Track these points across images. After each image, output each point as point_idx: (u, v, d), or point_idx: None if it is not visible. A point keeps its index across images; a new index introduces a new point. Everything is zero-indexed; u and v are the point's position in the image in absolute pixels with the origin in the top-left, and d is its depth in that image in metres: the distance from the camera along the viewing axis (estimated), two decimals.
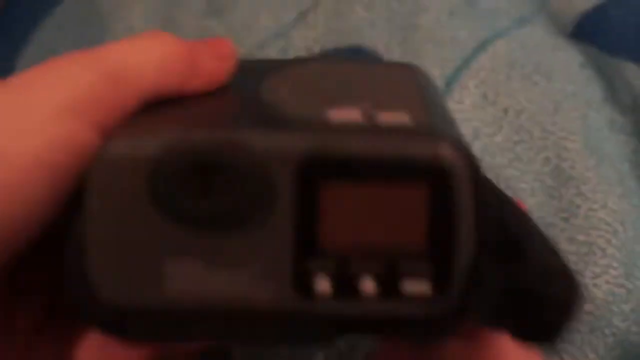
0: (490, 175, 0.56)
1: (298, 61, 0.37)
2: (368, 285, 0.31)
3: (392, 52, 0.63)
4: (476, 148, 0.58)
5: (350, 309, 0.31)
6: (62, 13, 0.68)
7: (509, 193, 0.51)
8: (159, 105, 0.33)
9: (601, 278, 0.52)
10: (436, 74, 0.61)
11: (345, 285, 0.31)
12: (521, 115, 0.60)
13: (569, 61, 0.62)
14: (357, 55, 0.63)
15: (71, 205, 0.31)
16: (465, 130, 0.59)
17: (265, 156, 0.31)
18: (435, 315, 0.31)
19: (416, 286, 0.31)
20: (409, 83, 0.36)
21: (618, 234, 0.54)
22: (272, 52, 0.65)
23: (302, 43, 0.65)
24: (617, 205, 0.55)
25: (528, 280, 0.34)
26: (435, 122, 0.32)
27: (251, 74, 0.35)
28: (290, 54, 0.64)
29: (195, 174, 0.31)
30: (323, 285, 0.31)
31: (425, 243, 0.31)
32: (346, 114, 0.32)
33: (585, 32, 0.63)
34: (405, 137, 0.31)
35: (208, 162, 0.30)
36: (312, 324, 0.32)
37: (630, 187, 0.57)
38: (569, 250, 0.53)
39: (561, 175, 0.57)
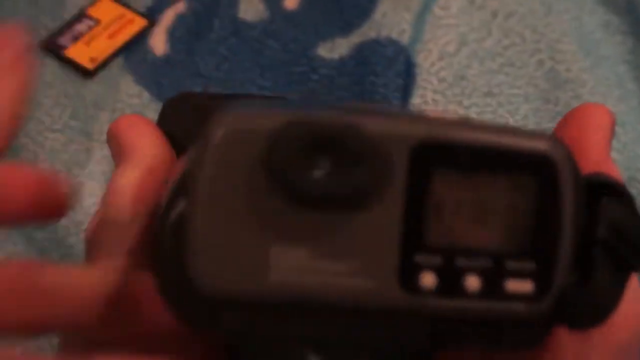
0: (480, 82, 0.55)
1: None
2: (473, 282, 0.31)
3: None
4: (464, 54, 0.57)
5: (455, 305, 0.31)
6: None
7: (501, 99, 0.53)
8: None
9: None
10: None
11: (451, 281, 0.31)
12: (511, 19, 0.59)
13: None
14: None
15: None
16: (453, 36, 0.57)
17: (382, 139, 0.31)
18: (536, 315, 0.31)
19: (519, 285, 0.31)
20: None
21: (618, 137, 0.54)
22: None
23: None
24: (616, 108, 0.55)
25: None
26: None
27: None
28: None
29: (314, 150, 0.30)
30: (429, 280, 0.31)
31: (530, 241, 0.31)
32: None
33: None
34: (515, 132, 0.31)
35: (328, 139, 0.30)
36: (415, 320, 0.32)
37: (628, 89, 0.57)
38: None
39: (556, 78, 0.57)
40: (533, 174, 0.31)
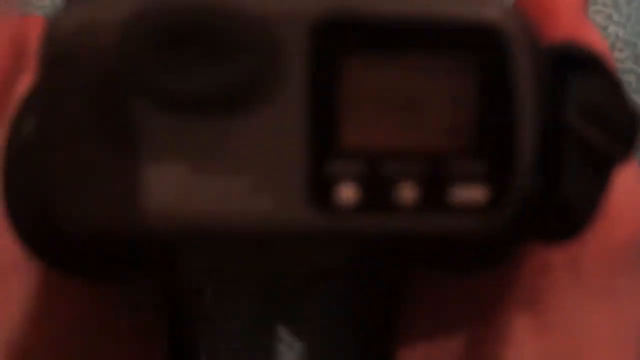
0: None
1: None
2: (406, 192, 0.27)
3: None
4: None
5: (383, 223, 0.27)
6: None
7: None
8: None
9: None
10: None
11: (377, 194, 0.27)
12: None
13: None
14: None
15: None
16: None
17: (269, 19, 0.26)
18: (492, 228, 0.27)
19: (468, 193, 0.27)
20: None
21: (619, 6, 0.49)
22: None
23: None
24: None
25: None
26: None
27: None
28: None
29: (180, 41, 0.26)
30: (347, 193, 0.27)
31: (479, 138, 0.27)
32: None
33: None
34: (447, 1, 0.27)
35: (197, 24, 0.26)
36: (333, 245, 0.29)
37: None
38: None
39: None
40: (478, 52, 0.27)
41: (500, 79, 0.27)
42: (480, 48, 0.27)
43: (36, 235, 0.29)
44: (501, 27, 0.27)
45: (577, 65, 0.29)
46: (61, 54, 0.27)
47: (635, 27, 0.49)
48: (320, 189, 0.27)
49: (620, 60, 0.48)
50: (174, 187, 0.27)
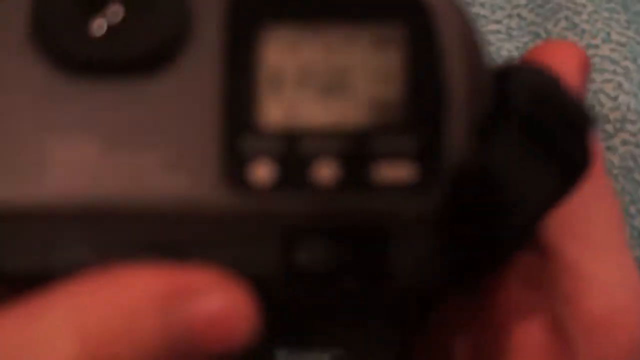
0: None
1: None
2: (325, 170, 0.27)
3: None
4: None
5: (299, 203, 0.27)
6: None
7: None
8: None
9: (616, 138, 0.48)
10: None
11: (294, 172, 0.27)
12: None
13: None
14: None
15: None
16: None
17: None
18: (421, 208, 0.27)
19: (393, 171, 0.27)
20: None
21: (630, 74, 0.49)
22: None
23: None
24: (624, 37, 0.50)
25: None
26: None
27: None
28: None
29: (88, 5, 0.27)
30: (262, 171, 0.27)
31: (406, 113, 0.27)
32: None
33: None
34: None
35: None
36: (247, 227, 0.27)
37: (636, 11, 0.52)
38: None
39: (544, 6, 0.52)
40: (404, 23, 0.28)
41: (428, 51, 0.27)
42: (407, 18, 0.28)
43: None
44: None
45: (526, 67, 0.29)
46: None
47: None
48: (234, 167, 0.27)
49: (632, 133, 0.48)
50: (81, 161, 0.27)
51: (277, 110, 0.27)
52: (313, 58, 0.28)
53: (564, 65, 0.34)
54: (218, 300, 0.26)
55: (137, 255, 0.27)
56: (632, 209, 0.47)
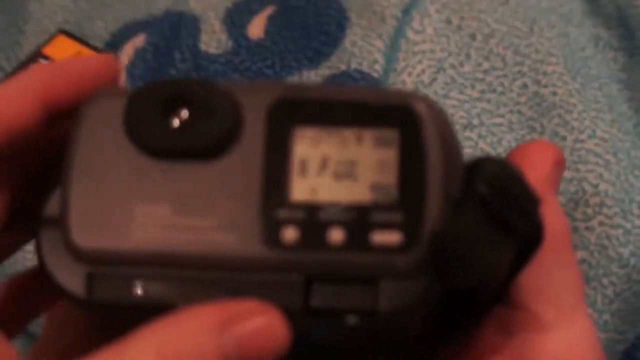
0: (460, 113, 0.55)
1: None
2: (336, 234, 0.32)
3: None
4: (441, 83, 0.56)
5: (318, 258, 0.32)
6: None
7: (482, 130, 0.53)
8: None
9: (594, 220, 0.51)
10: (392, 1, 0.59)
11: (313, 235, 0.33)
12: (490, 40, 0.57)
13: None
14: None
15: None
16: (428, 62, 0.57)
17: (236, 96, 0.33)
18: (406, 265, 0.32)
19: (386, 236, 0.32)
20: None
21: (610, 166, 0.52)
22: None
23: None
24: (607, 134, 0.54)
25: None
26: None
27: None
28: None
29: (168, 106, 0.33)
30: (290, 234, 0.33)
31: (396, 195, 0.33)
32: None
33: None
34: (381, 90, 0.34)
35: (181, 94, 0.33)
36: (279, 273, 0.33)
37: (621, 112, 0.56)
38: None
39: (541, 104, 0.55)
40: (397, 128, 0.33)
41: (415, 149, 0.33)
42: (401, 124, 0.33)
43: (60, 266, 0.34)
44: (416, 108, 0.33)
45: (491, 160, 0.34)
46: (84, 124, 0.34)
47: (624, 185, 0.52)
48: (270, 230, 0.33)
49: (608, 217, 0.50)
50: (158, 222, 0.33)
51: (302, 189, 0.33)
52: (330, 152, 0.33)
53: (543, 161, 0.40)
54: (259, 321, 0.32)
55: (197, 292, 0.34)
56: (605, 281, 0.50)
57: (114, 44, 0.63)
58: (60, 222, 0.34)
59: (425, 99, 0.34)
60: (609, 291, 0.50)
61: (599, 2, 0.59)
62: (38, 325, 0.49)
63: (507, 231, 0.33)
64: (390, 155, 0.33)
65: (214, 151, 0.33)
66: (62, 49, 0.63)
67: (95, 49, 0.63)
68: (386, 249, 0.32)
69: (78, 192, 0.34)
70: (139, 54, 0.61)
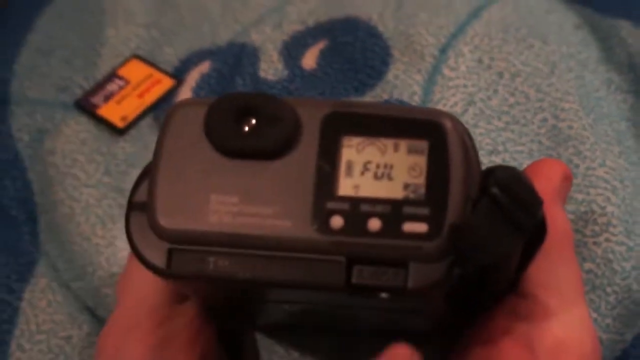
0: (486, 140, 0.57)
1: None
2: (374, 223, 0.36)
3: (385, 22, 0.64)
4: (471, 114, 0.58)
5: (359, 241, 0.36)
6: (63, 0, 0.70)
7: (506, 156, 0.55)
8: None
9: (601, 236, 0.53)
10: (431, 41, 0.62)
11: (355, 223, 0.37)
12: (516, 78, 0.60)
13: (563, 23, 0.63)
14: (352, 26, 0.64)
15: None
16: (461, 96, 0.59)
17: (296, 108, 0.37)
18: (431, 250, 0.36)
19: (415, 226, 0.36)
20: None
21: (617, 192, 0.54)
22: (267, 27, 0.66)
23: (296, 16, 0.66)
24: (615, 163, 0.56)
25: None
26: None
27: None
28: (285, 28, 0.65)
29: (241, 115, 0.37)
30: (337, 222, 0.37)
31: (424, 193, 0.36)
32: None
33: None
34: (416, 108, 0.38)
35: (251, 105, 0.37)
36: (327, 256, 0.37)
37: (628, 145, 0.57)
38: (568, 210, 0.53)
39: (559, 136, 0.57)
40: (427, 139, 0.37)
41: (441, 157, 0.37)
42: (430, 136, 0.37)
43: (146, 245, 0.39)
44: (443, 123, 0.37)
45: (503, 168, 0.37)
46: (169, 129, 0.38)
47: (628, 208, 0.54)
48: (320, 218, 0.37)
49: (614, 234, 0.53)
50: (229, 209, 0.37)
51: (347, 186, 0.37)
52: (371, 157, 0.37)
53: (553, 175, 0.44)
54: None
55: (258, 268, 0.38)
56: (609, 289, 0.52)
57: (182, 69, 0.65)
58: (147, 207, 0.38)
59: (450, 116, 0.37)
60: (612, 298, 0.52)
61: (613, 50, 0.62)
62: (104, 309, 0.54)
63: (515, 226, 0.37)
64: (420, 161, 0.37)
65: (277, 153, 0.37)
66: (136, 72, 0.66)
67: (165, 72, 0.66)
68: (415, 237, 0.36)
69: (163, 182, 0.38)
70: (205, 78, 0.65)
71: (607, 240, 0.53)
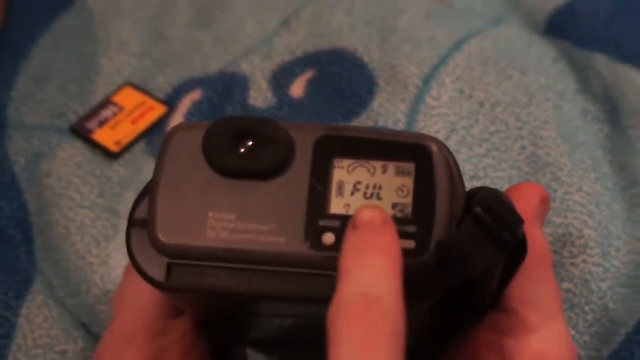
0: (468, 167, 0.59)
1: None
2: None
3: (371, 53, 0.66)
4: (454, 141, 0.60)
5: None
6: (59, 29, 0.72)
7: (487, 182, 0.56)
8: None
9: (579, 258, 0.54)
10: (415, 72, 0.63)
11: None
12: (497, 108, 0.61)
13: (542, 56, 0.65)
14: (338, 57, 0.66)
15: None
16: (443, 124, 0.61)
17: (290, 132, 0.38)
18: (419, 266, 0.37)
19: (404, 243, 0.37)
20: None
21: (594, 216, 0.56)
22: (257, 58, 0.67)
23: (285, 48, 0.68)
24: (592, 189, 0.57)
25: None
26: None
27: None
28: (274, 59, 0.67)
29: (237, 137, 0.38)
30: (329, 238, 0.38)
31: (413, 212, 0.38)
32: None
33: (557, 28, 0.66)
34: (405, 133, 0.40)
35: (247, 128, 0.38)
36: (319, 269, 0.38)
37: (604, 172, 0.59)
38: (547, 233, 0.54)
39: (538, 163, 0.59)
40: (414, 161, 0.38)
41: (428, 178, 0.38)
42: (416, 159, 0.38)
43: (147, 260, 0.40)
44: (429, 147, 0.38)
45: (485, 189, 0.39)
46: (168, 150, 0.39)
47: (604, 231, 0.55)
48: (313, 235, 0.38)
49: (590, 256, 0.54)
50: (226, 226, 0.38)
51: (339, 205, 0.38)
52: (361, 178, 0.39)
53: (531, 197, 0.45)
54: None
55: (253, 282, 0.39)
56: (587, 308, 0.52)
57: (174, 97, 0.67)
58: (148, 223, 0.39)
59: (436, 140, 0.39)
60: (590, 317, 0.53)
61: (590, 82, 0.63)
62: (98, 326, 0.55)
63: (498, 243, 0.38)
64: (408, 182, 0.38)
65: (272, 173, 0.39)
66: (129, 99, 0.67)
67: (158, 99, 0.67)
68: (404, 253, 0.37)
69: (163, 200, 0.39)
70: (197, 106, 0.66)
71: (584, 261, 0.54)
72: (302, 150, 0.39)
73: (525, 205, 0.43)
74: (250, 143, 0.39)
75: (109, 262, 0.58)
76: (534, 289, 0.42)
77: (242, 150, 0.39)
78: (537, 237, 0.42)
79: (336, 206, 0.38)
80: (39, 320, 0.56)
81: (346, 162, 0.39)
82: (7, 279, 0.58)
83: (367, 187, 0.38)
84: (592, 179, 0.58)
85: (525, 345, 0.42)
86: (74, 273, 0.58)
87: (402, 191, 0.38)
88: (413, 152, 0.38)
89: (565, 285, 0.53)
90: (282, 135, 0.38)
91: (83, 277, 0.58)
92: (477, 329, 0.43)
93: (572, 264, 0.54)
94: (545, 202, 0.46)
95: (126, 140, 0.64)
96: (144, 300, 0.45)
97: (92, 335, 0.56)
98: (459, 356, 0.44)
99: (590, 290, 0.53)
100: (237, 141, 0.39)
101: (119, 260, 0.58)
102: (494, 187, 0.53)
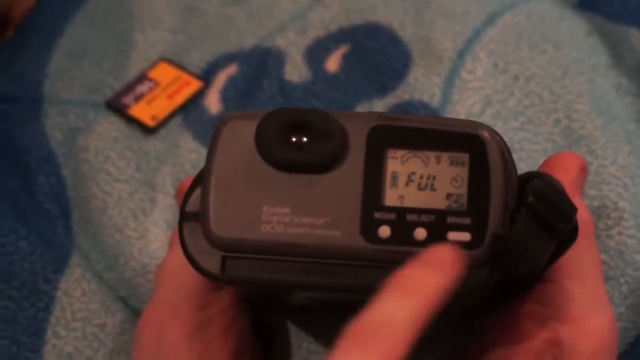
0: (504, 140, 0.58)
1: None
2: (420, 233, 0.38)
3: (406, 27, 0.66)
4: (489, 115, 0.60)
5: (406, 250, 0.37)
6: (93, 6, 0.72)
7: (522, 154, 0.56)
8: None
9: (614, 230, 0.54)
10: (448, 46, 0.64)
11: (402, 232, 0.38)
12: (531, 81, 0.62)
13: (574, 30, 0.65)
14: (373, 32, 0.66)
15: None
16: (478, 98, 0.61)
17: (343, 122, 0.38)
18: (474, 258, 0.37)
19: (459, 235, 0.37)
20: None
21: (628, 188, 0.56)
22: (291, 33, 0.68)
23: (319, 23, 0.68)
24: (626, 161, 0.57)
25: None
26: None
27: None
28: (308, 33, 0.67)
29: (291, 129, 0.38)
30: (385, 231, 0.38)
31: (468, 203, 0.38)
32: None
33: (589, 2, 0.66)
34: (458, 121, 0.39)
35: (301, 120, 0.38)
36: (374, 263, 0.38)
37: (637, 145, 0.59)
38: None
39: (572, 135, 0.59)
40: (467, 151, 0.38)
41: (482, 168, 0.38)
42: (470, 148, 0.38)
43: (200, 253, 0.39)
44: (483, 136, 0.38)
45: (539, 177, 0.38)
46: (221, 141, 0.39)
47: (639, 203, 0.56)
48: (368, 228, 0.38)
49: (625, 227, 0.54)
50: (280, 220, 0.38)
51: (393, 197, 0.38)
52: (415, 169, 0.38)
53: (570, 167, 0.46)
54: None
55: (307, 275, 0.39)
56: (622, 280, 0.53)
57: (209, 72, 0.68)
58: (201, 217, 0.39)
59: (489, 129, 0.38)
60: (624, 289, 0.52)
61: (622, 56, 0.63)
62: (136, 299, 0.56)
63: (551, 232, 0.38)
64: (462, 172, 0.38)
65: (326, 166, 0.38)
66: (165, 74, 0.68)
67: (193, 74, 0.68)
68: (459, 245, 0.37)
69: (216, 193, 0.39)
70: (232, 80, 0.67)
71: (619, 233, 0.54)
72: (355, 141, 0.39)
73: (565, 176, 0.44)
74: (305, 136, 0.38)
75: (146, 235, 0.59)
76: (576, 260, 0.43)
77: (297, 144, 0.38)
78: (579, 208, 0.42)
79: (391, 198, 0.38)
80: (77, 294, 0.57)
81: (399, 153, 0.38)
82: (45, 253, 0.59)
83: (421, 177, 0.38)
84: (626, 151, 0.58)
85: (568, 314, 0.42)
86: (112, 246, 0.59)
87: (457, 181, 0.38)
88: (466, 141, 0.38)
89: (601, 257, 0.51)
90: (336, 128, 0.38)
91: (120, 251, 0.58)
92: (522, 300, 0.44)
93: (607, 236, 0.54)
94: (583, 171, 0.46)
95: (162, 115, 0.65)
96: (186, 273, 0.45)
97: (130, 308, 0.57)
98: (499, 324, 0.44)
99: (626, 262, 0.53)
100: (291, 134, 0.38)
101: (156, 233, 0.58)
102: (529, 159, 0.56)
